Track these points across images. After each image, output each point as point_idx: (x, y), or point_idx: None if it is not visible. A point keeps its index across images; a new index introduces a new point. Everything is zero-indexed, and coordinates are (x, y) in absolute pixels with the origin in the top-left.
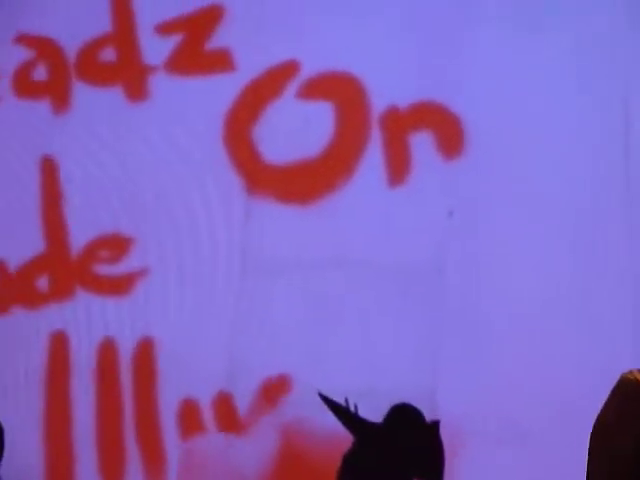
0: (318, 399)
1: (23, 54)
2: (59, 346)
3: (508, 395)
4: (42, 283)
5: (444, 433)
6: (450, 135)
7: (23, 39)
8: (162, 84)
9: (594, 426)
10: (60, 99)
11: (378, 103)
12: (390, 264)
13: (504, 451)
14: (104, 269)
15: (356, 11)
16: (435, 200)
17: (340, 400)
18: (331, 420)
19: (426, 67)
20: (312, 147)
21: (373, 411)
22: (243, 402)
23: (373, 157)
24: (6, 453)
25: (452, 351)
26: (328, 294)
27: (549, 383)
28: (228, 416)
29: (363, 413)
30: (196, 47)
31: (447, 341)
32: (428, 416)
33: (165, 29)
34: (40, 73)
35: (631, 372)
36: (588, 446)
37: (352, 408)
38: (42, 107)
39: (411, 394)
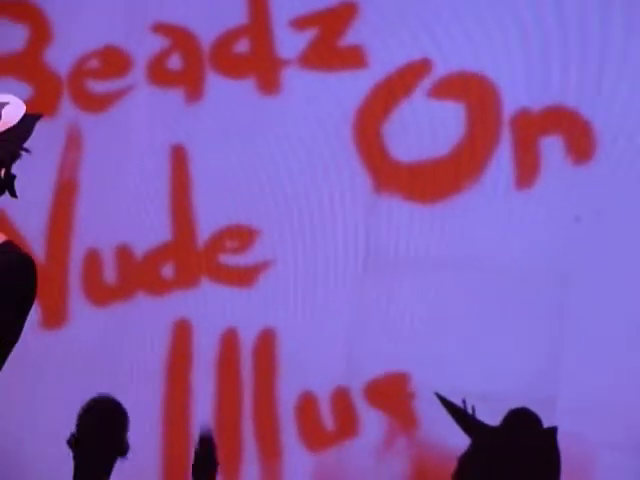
0: (435, 399)
1: (159, 42)
2: (182, 334)
3: (633, 405)
4: (167, 270)
5: (566, 442)
6: (580, 140)
7: (159, 28)
8: (295, 78)
9: None
10: (193, 88)
11: (509, 105)
12: (513, 267)
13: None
14: (229, 259)
15: (491, 12)
16: (563, 205)
17: (458, 402)
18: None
19: (558, 71)
20: (441, 147)
21: (490, 415)
22: (360, 398)
23: (502, 159)
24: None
25: (572, 358)
26: (450, 294)
27: None
28: (345, 412)
29: (480, 416)
30: (330, 42)
31: (567, 348)
32: (546, 423)
33: (300, 23)
34: (175, 62)
35: None
36: None
37: (469, 410)
38: (175, 96)
39: (529, 399)
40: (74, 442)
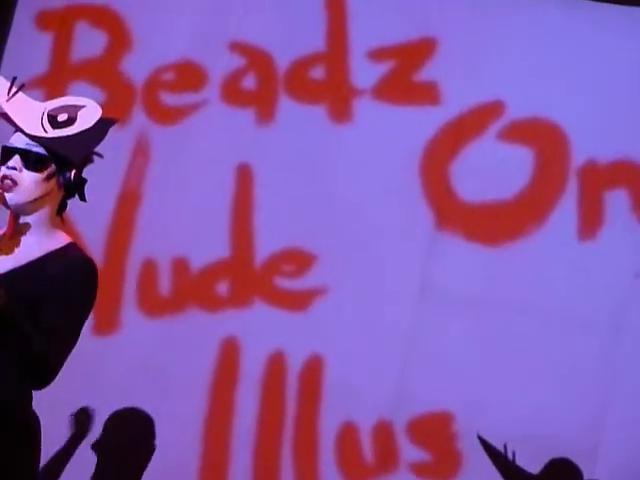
0: (475, 439)
1: (235, 61)
2: (230, 352)
3: None
4: (222, 288)
5: None
6: None
7: (237, 46)
8: (367, 108)
9: None
10: (265, 110)
11: (578, 155)
12: (568, 315)
13: None
14: (284, 283)
15: (567, 62)
16: (623, 259)
17: (499, 445)
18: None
19: (629, 125)
20: (507, 190)
21: (532, 460)
22: (402, 433)
23: (566, 208)
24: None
25: (619, 412)
26: (502, 337)
27: None
28: (386, 446)
29: (522, 460)
30: (405, 76)
31: (615, 401)
32: (587, 473)
33: (377, 55)
34: (249, 82)
35: None
36: None
37: (510, 455)
38: (247, 116)
39: (572, 448)
40: (97, 446)
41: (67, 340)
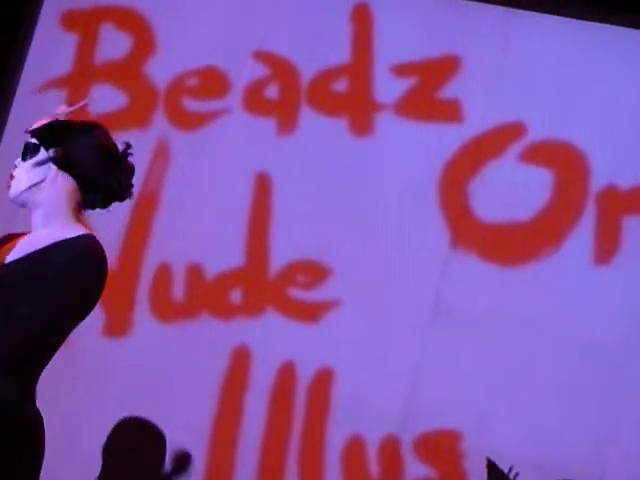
0: (482, 459)
1: (259, 70)
2: (241, 360)
3: None
4: (235, 296)
5: None
6: None
7: (262, 55)
8: (388, 123)
9: None
10: (287, 120)
11: (598, 180)
12: (580, 340)
13: None
14: (298, 294)
15: (590, 85)
16: (637, 286)
17: (505, 466)
18: None
19: None
20: (525, 211)
21: None
22: (409, 450)
23: (584, 232)
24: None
25: (626, 436)
26: (513, 358)
27: None
28: (392, 462)
29: None
30: (428, 93)
31: (622, 426)
32: None
33: (401, 71)
34: (272, 92)
35: None
36: None
37: (512, 477)
38: (268, 125)
39: (579, 470)
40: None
41: (25, 327)
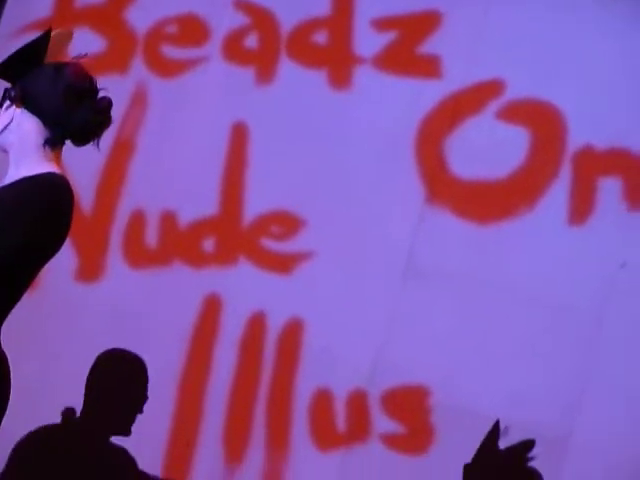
0: (450, 415)
1: (239, 19)
2: (212, 309)
3: None
4: (208, 244)
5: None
6: (638, 186)
7: (242, 5)
8: (367, 77)
9: None
10: (265, 71)
11: (575, 140)
12: (552, 300)
13: None
14: (271, 244)
15: (571, 46)
16: (611, 248)
17: (475, 422)
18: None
19: (627, 113)
20: (500, 169)
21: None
22: (376, 404)
23: (558, 192)
24: None
25: (595, 399)
26: (484, 317)
27: None
28: (359, 415)
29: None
30: (407, 48)
31: (592, 389)
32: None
33: (381, 25)
34: (251, 41)
35: None
36: None
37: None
38: (246, 75)
39: (547, 432)
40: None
41: (6, 259)
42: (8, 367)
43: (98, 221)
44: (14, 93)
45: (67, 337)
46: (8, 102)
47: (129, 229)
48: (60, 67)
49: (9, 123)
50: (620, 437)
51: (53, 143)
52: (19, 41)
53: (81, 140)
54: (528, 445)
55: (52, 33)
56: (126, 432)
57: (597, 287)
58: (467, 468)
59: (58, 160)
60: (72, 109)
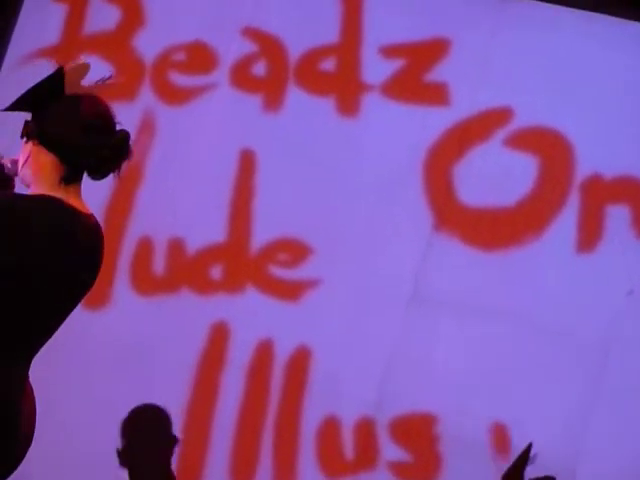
0: (457, 443)
1: (247, 46)
2: (219, 337)
3: None
4: (216, 272)
5: None
6: None
7: (250, 32)
8: (375, 104)
9: None
10: (273, 98)
11: (583, 168)
12: (559, 328)
13: None
14: (278, 272)
15: (579, 74)
16: (619, 275)
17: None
18: None
19: (634, 142)
20: (509, 197)
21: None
22: (384, 432)
23: (567, 219)
24: None
25: (600, 428)
26: (491, 344)
27: None
28: (367, 443)
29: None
30: (415, 75)
31: (597, 419)
32: None
33: (389, 52)
34: (259, 69)
35: None
36: None
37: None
38: (254, 102)
39: (552, 461)
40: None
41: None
42: (34, 402)
43: (105, 248)
44: (30, 130)
45: (74, 366)
46: (25, 139)
47: (136, 256)
48: (76, 102)
49: (27, 158)
50: (626, 467)
51: (68, 179)
52: (27, 68)
53: (97, 174)
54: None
55: (68, 67)
56: None
57: (604, 315)
58: None
59: (77, 194)
60: (87, 146)
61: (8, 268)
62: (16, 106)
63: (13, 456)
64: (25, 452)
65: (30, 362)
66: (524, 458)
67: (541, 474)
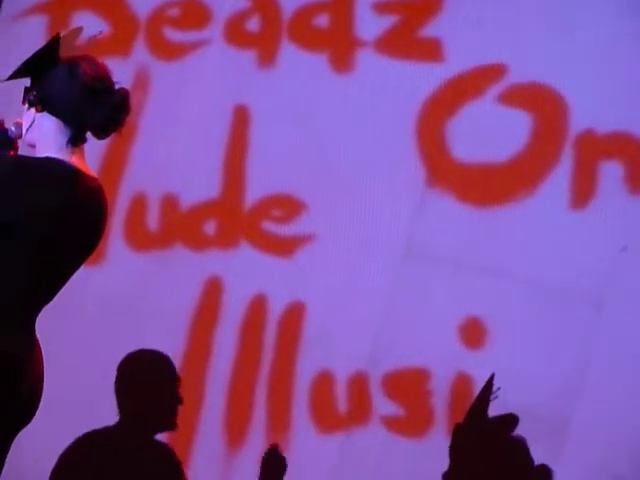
0: (450, 398)
1: (241, 2)
2: (213, 292)
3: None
4: (209, 228)
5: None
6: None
7: None
8: (368, 60)
9: None
10: (267, 54)
11: (576, 124)
12: (552, 283)
13: None
14: (272, 227)
15: (574, 30)
16: (612, 231)
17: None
18: None
19: (629, 98)
20: (502, 153)
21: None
22: (377, 387)
23: (560, 176)
24: None
25: (594, 383)
26: (483, 300)
27: None
28: (360, 398)
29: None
30: (409, 31)
31: (591, 372)
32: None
33: (382, 8)
34: (253, 24)
35: None
36: None
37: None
38: (247, 58)
39: (545, 415)
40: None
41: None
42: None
43: None
44: (32, 98)
45: (68, 321)
46: (26, 105)
47: (130, 212)
48: (73, 66)
49: (31, 125)
50: (620, 419)
51: (75, 141)
52: (20, 24)
53: (103, 134)
54: (515, 418)
55: (63, 32)
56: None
57: (598, 271)
58: (458, 427)
59: (81, 156)
60: (90, 108)
61: (18, 219)
62: (16, 76)
63: (18, 408)
64: (35, 404)
65: (35, 319)
66: (487, 391)
67: (537, 426)
